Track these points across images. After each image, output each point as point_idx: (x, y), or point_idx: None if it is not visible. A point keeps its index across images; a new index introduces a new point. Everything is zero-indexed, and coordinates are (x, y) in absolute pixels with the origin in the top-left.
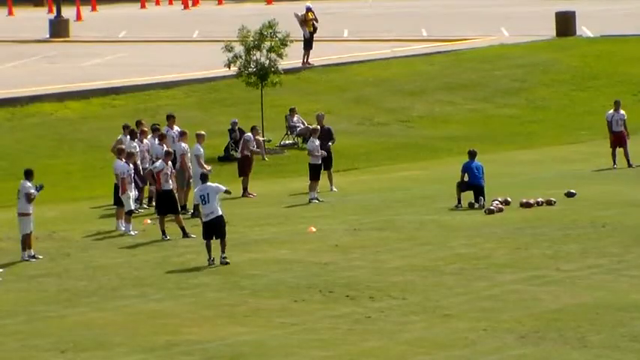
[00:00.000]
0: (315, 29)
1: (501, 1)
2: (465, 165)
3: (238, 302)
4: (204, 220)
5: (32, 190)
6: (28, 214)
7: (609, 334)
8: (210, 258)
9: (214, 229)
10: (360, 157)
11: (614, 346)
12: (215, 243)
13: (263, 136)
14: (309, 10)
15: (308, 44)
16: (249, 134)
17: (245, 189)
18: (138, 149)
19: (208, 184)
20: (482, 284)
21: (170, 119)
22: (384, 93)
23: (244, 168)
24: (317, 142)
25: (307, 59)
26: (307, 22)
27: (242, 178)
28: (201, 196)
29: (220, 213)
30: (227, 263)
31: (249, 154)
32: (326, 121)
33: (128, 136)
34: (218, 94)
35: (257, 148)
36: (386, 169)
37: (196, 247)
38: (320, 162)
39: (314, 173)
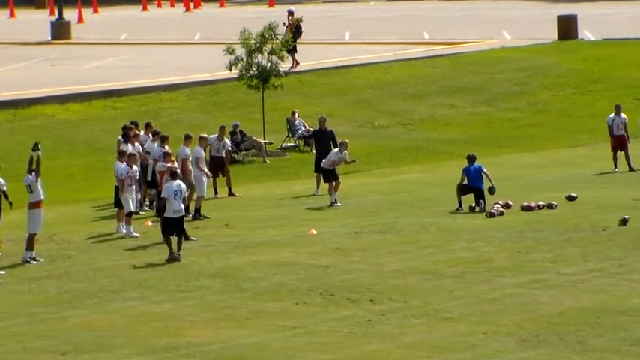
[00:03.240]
0: (293, 33)
1: (503, 4)
2: (464, 169)
3: (239, 305)
4: (171, 215)
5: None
6: (38, 204)
7: (610, 338)
8: (172, 252)
9: (178, 226)
10: (361, 160)
11: (615, 350)
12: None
13: (264, 139)
14: (290, 13)
15: (293, 48)
16: (213, 136)
17: (229, 188)
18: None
19: (180, 182)
20: (483, 287)
21: (147, 127)
22: (385, 96)
23: (218, 169)
24: (344, 153)
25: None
26: (290, 26)
27: (223, 179)
28: (175, 192)
29: (184, 212)
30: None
31: (221, 155)
32: (327, 123)
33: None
34: (219, 96)
35: (259, 150)
36: (387, 172)
37: (197, 250)
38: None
39: (326, 175)
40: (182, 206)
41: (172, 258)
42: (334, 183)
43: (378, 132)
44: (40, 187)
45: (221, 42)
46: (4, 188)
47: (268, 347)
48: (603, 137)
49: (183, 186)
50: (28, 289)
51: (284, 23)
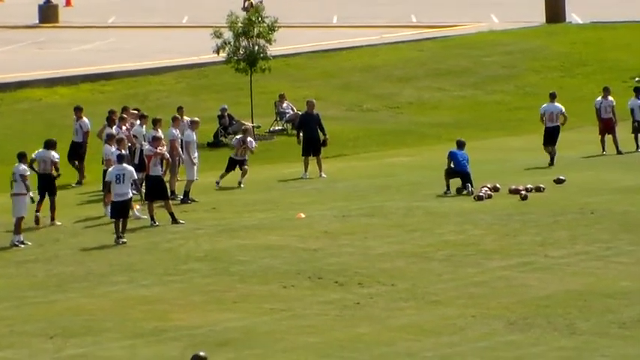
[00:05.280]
0: None
1: None
2: (451, 152)
3: (227, 288)
4: (115, 199)
5: (27, 173)
6: (23, 194)
7: (598, 321)
8: (118, 237)
9: (123, 210)
10: (348, 144)
11: (603, 333)
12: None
13: (252, 122)
14: None
15: None
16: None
17: None
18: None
19: (125, 165)
20: (471, 270)
21: (124, 111)
22: (373, 79)
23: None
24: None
25: None
26: (248, 10)
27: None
28: (117, 176)
29: (131, 196)
30: (124, 243)
31: None
32: (316, 107)
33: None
34: (207, 80)
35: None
36: (374, 156)
37: (185, 233)
38: (238, 158)
39: (229, 165)
40: (128, 190)
41: (117, 241)
42: (243, 169)
43: (365, 115)
44: (25, 184)
45: (209, 25)
46: (56, 160)
47: (256, 330)
48: (591, 120)
49: (129, 169)
50: (16, 272)
51: (242, 8)
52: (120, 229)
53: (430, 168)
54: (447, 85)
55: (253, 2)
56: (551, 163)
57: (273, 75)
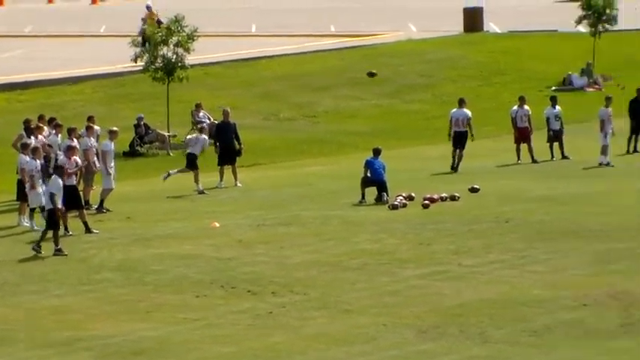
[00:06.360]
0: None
1: None
2: (367, 161)
3: (141, 298)
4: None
5: None
6: None
7: (510, 329)
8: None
9: (47, 220)
10: (265, 153)
11: (515, 342)
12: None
13: (168, 131)
14: (148, 9)
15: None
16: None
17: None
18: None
19: (54, 177)
20: (385, 279)
21: (41, 119)
22: (292, 88)
23: None
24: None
25: None
26: (152, 21)
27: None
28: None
29: (50, 206)
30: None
31: None
32: (232, 116)
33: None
34: (124, 89)
35: (163, 143)
36: (291, 165)
37: (99, 243)
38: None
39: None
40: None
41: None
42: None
43: (282, 124)
44: None
45: (127, 34)
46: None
47: (170, 340)
48: (507, 129)
49: (53, 181)
50: None
51: (142, 19)
52: (51, 239)
53: (347, 177)
54: (364, 94)
55: (156, 15)
56: (454, 168)
57: (191, 84)
